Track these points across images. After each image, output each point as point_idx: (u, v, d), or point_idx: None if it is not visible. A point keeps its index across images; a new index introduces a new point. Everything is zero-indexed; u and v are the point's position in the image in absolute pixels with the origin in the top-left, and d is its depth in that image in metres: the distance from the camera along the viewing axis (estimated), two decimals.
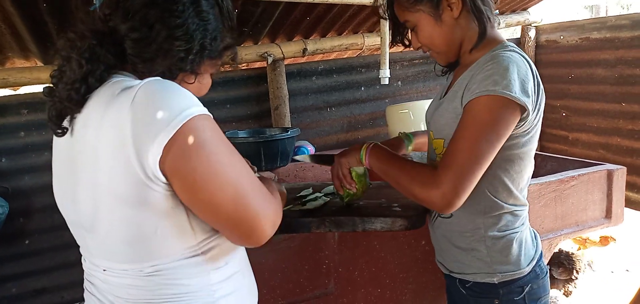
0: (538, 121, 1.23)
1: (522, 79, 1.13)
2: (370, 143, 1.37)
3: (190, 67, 0.95)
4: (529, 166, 1.28)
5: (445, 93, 1.37)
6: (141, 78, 0.89)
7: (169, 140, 0.81)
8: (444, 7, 1.23)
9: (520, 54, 1.20)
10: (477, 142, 1.11)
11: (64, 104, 0.91)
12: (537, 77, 1.20)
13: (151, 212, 0.87)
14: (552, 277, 3.08)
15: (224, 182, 0.87)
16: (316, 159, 1.70)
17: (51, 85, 0.95)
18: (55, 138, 0.98)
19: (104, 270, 0.96)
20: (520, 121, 1.16)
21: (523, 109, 1.14)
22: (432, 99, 1.51)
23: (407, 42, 1.39)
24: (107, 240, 0.92)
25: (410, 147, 1.66)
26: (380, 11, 1.41)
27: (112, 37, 0.91)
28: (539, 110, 1.21)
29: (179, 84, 0.91)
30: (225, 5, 1.00)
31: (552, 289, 3.14)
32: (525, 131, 1.20)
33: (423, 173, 1.18)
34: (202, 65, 0.98)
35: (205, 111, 0.87)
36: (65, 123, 0.93)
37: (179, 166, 0.83)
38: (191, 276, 0.95)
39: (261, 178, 1.09)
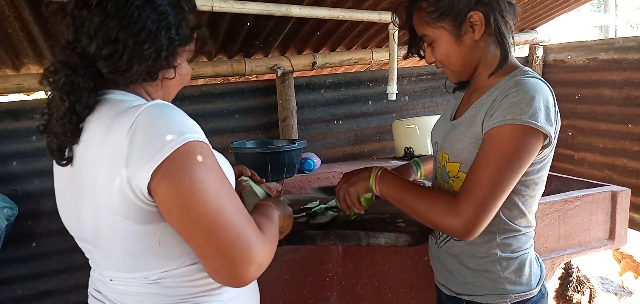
0: (554, 146, 1.23)
1: (547, 107, 1.13)
2: (377, 170, 1.32)
3: (166, 63, 0.95)
4: (542, 189, 1.28)
5: (456, 114, 1.36)
6: (126, 89, 0.94)
7: (158, 166, 0.82)
8: (467, 28, 1.21)
9: (542, 80, 1.19)
10: (501, 171, 1.10)
11: (60, 139, 0.92)
12: (556, 104, 1.19)
13: (151, 227, 0.89)
14: (569, 300, 3.04)
15: (199, 212, 0.84)
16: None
17: (44, 122, 0.96)
18: (56, 166, 1.00)
19: (111, 280, 0.98)
20: (541, 148, 1.16)
21: (545, 136, 1.14)
22: (439, 116, 1.49)
23: (422, 53, 1.35)
24: (112, 254, 0.94)
25: (419, 174, 1.63)
26: (395, 21, 1.39)
27: (83, 62, 0.91)
28: (556, 136, 1.21)
29: (161, 82, 0.95)
30: None
31: None
32: (543, 157, 1.20)
33: (443, 201, 1.17)
34: (176, 57, 0.98)
35: (201, 137, 0.87)
36: (67, 153, 0.95)
37: (160, 188, 0.83)
38: (197, 280, 0.97)
39: (263, 211, 1.08)
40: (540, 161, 1.21)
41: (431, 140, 1.46)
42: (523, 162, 1.12)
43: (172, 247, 0.92)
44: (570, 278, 2.99)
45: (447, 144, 1.31)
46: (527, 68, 1.25)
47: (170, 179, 0.82)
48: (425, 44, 1.31)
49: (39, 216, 2.87)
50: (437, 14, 1.22)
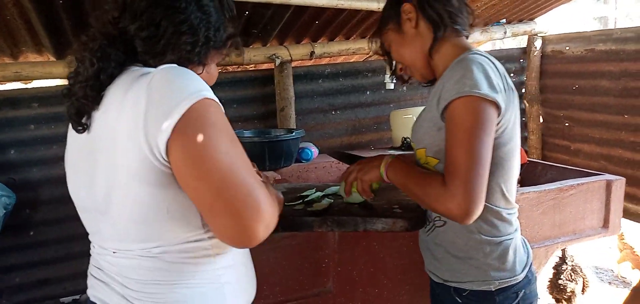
0: (515, 119, 1.25)
1: (487, 76, 1.16)
2: (389, 157, 1.37)
3: (198, 58, 1.01)
4: (515, 166, 1.29)
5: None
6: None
7: (176, 122, 0.84)
8: (404, 20, 1.33)
9: (484, 55, 1.24)
10: (471, 144, 1.13)
11: (81, 102, 0.96)
12: (504, 75, 1.23)
13: (163, 193, 0.90)
14: (563, 289, 3.06)
15: (211, 168, 0.86)
16: (345, 157, 1.71)
17: (68, 86, 1.01)
18: (72, 133, 1.03)
19: (114, 252, 1.00)
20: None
21: (497, 106, 1.16)
22: None
23: (399, 71, 1.47)
24: (120, 220, 0.95)
25: None
26: (376, 49, 1.49)
27: (121, 37, 0.97)
28: (512, 107, 1.23)
29: None
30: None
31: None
32: (503, 129, 1.22)
33: (434, 186, 1.19)
34: (208, 56, 1.04)
35: (215, 98, 0.91)
36: (84, 120, 0.98)
37: (178, 144, 0.86)
38: (197, 259, 0.99)
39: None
40: (502, 134, 1.22)
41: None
42: (487, 130, 1.15)
43: (179, 219, 0.94)
44: (565, 267, 3.01)
45: (413, 133, 1.39)
46: (476, 49, 1.30)
47: (186, 135, 0.85)
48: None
49: (37, 204, 2.89)
50: (383, 20, 1.40)
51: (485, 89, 1.14)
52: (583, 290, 3.09)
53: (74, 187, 1.06)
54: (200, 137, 0.86)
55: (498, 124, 1.20)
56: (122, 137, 0.89)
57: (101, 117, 0.95)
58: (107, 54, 0.95)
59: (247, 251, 1.16)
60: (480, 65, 1.18)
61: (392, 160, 1.35)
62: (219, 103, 0.92)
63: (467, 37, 1.35)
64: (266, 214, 0.89)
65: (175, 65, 0.93)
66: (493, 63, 1.22)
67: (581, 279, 3.06)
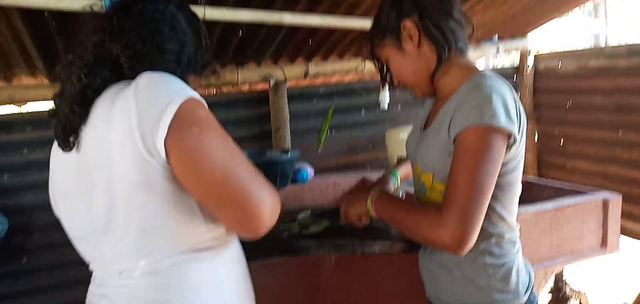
0: (523, 145, 1.25)
1: (505, 105, 1.15)
2: (374, 193, 1.35)
3: (181, 77, 1.00)
4: (518, 190, 1.29)
5: (425, 123, 1.38)
6: None
7: (172, 118, 0.86)
8: (405, 37, 1.27)
9: (500, 79, 1.22)
10: (476, 175, 1.12)
11: (67, 119, 0.96)
12: (518, 102, 1.22)
13: (165, 196, 0.91)
14: None
15: (213, 161, 0.90)
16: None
17: (54, 106, 1.02)
18: (57, 160, 1.04)
19: (120, 273, 0.98)
20: (507, 147, 1.18)
21: (510, 135, 1.16)
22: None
23: (394, 83, 1.42)
24: (124, 237, 0.94)
25: (397, 182, 1.65)
26: (366, 53, 1.44)
27: (107, 57, 0.99)
28: (523, 134, 1.23)
29: None
30: (200, 26, 1.11)
31: None
32: (511, 156, 1.21)
33: (428, 215, 1.18)
34: (188, 78, 1.06)
35: (200, 98, 0.93)
36: (72, 138, 0.97)
37: (176, 142, 0.87)
38: (201, 263, 0.99)
39: None
40: (509, 161, 1.22)
41: (406, 151, 1.49)
42: (494, 163, 1.14)
43: (180, 225, 0.94)
44: (561, 294, 2.99)
45: (419, 156, 1.34)
46: (486, 70, 1.28)
47: (181, 134, 0.87)
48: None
49: (30, 230, 2.85)
50: (380, 34, 1.32)
51: (503, 121, 1.13)
52: None
53: (66, 216, 1.05)
54: (195, 135, 0.89)
55: (508, 151, 1.19)
56: (116, 149, 0.89)
57: (90, 133, 0.95)
58: (94, 71, 0.97)
59: (245, 268, 1.15)
60: (500, 93, 1.16)
61: (379, 194, 1.34)
62: (203, 100, 0.94)
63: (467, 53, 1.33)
64: (270, 199, 0.95)
65: (157, 71, 0.95)
66: (510, 89, 1.21)
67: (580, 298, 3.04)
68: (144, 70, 0.95)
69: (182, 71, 1.03)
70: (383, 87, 1.46)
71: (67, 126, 0.97)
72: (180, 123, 0.87)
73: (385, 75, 1.42)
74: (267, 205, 0.94)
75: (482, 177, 1.12)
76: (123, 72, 0.98)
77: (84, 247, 1.04)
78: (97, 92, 0.96)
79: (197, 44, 1.08)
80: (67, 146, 0.97)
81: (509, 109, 1.15)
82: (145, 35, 1.00)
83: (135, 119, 0.87)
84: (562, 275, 3.03)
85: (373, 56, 1.39)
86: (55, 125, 0.99)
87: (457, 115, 1.18)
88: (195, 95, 0.92)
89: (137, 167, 0.88)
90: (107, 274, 1.02)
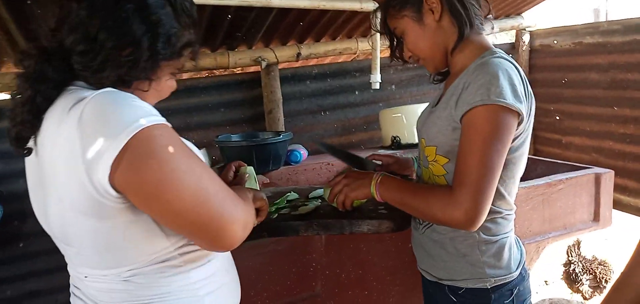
0: (530, 124, 1.24)
1: (512, 84, 1.14)
2: (378, 176, 1.32)
3: (144, 74, 0.92)
4: (521, 170, 1.28)
5: (437, 101, 1.36)
6: (95, 87, 0.88)
7: (116, 156, 0.79)
8: (426, 10, 1.25)
9: (507, 59, 1.21)
10: (486, 154, 1.12)
11: (18, 127, 0.91)
12: (526, 81, 1.21)
13: (114, 223, 0.87)
14: (578, 282, 3.00)
15: (181, 189, 0.83)
16: (341, 155, 1.67)
17: (11, 107, 0.94)
18: (28, 158, 0.97)
19: (86, 277, 0.97)
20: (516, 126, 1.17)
21: (518, 114, 1.15)
22: (426, 104, 1.50)
23: (405, 57, 1.39)
24: (82, 251, 0.93)
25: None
26: (375, 24, 1.41)
27: (58, 53, 0.89)
28: (530, 114, 1.22)
29: (133, 92, 0.90)
30: (178, 2, 0.95)
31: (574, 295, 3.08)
32: (519, 135, 1.21)
33: (439, 195, 1.18)
34: (157, 70, 0.95)
35: (157, 120, 0.84)
36: (30, 143, 0.92)
37: (129, 180, 0.81)
38: (170, 277, 0.96)
39: (232, 186, 1.05)
40: (517, 140, 1.21)
41: (417, 129, 1.47)
42: (504, 141, 1.14)
43: (139, 243, 0.91)
44: (571, 268, 2.95)
45: (425, 129, 1.34)
46: (496, 49, 1.26)
47: (136, 168, 0.80)
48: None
49: (25, 216, 2.85)
50: (398, 4, 1.28)
51: (510, 99, 1.12)
52: (599, 282, 3.02)
53: (36, 212, 1.01)
54: (154, 167, 0.81)
55: (518, 131, 1.18)
56: (61, 172, 0.85)
57: (41, 148, 0.90)
58: (44, 74, 0.88)
59: (229, 257, 1.14)
60: (506, 72, 1.15)
61: (383, 177, 1.32)
62: (164, 121, 0.85)
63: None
64: (243, 215, 0.93)
65: (109, 89, 0.86)
66: (517, 69, 1.20)
67: (607, 272, 2.99)
68: (96, 69, 0.87)
69: (145, 67, 0.91)
70: (392, 60, 1.43)
71: (18, 133, 0.91)
72: (133, 157, 0.79)
73: (395, 48, 1.39)
74: (240, 224, 0.91)
75: (492, 156, 1.12)
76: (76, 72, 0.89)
77: (54, 241, 1.02)
78: (49, 99, 0.88)
79: (172, 27, 0.93)
80: (20, 150, 0.92)
81: (516, 86, 1.15)
82: (99, 26, 0.86)
83: (80, 151, 0.80)
84: (575, 249, 2.98)
85: (385, 27, 1.36)
86: (9, 129, 0.93)
87: (464, 94, 1.18)
88: (150, 121, 0.82)
89: (84, 198, 0.83)
90: (76, 274, 1.01)
